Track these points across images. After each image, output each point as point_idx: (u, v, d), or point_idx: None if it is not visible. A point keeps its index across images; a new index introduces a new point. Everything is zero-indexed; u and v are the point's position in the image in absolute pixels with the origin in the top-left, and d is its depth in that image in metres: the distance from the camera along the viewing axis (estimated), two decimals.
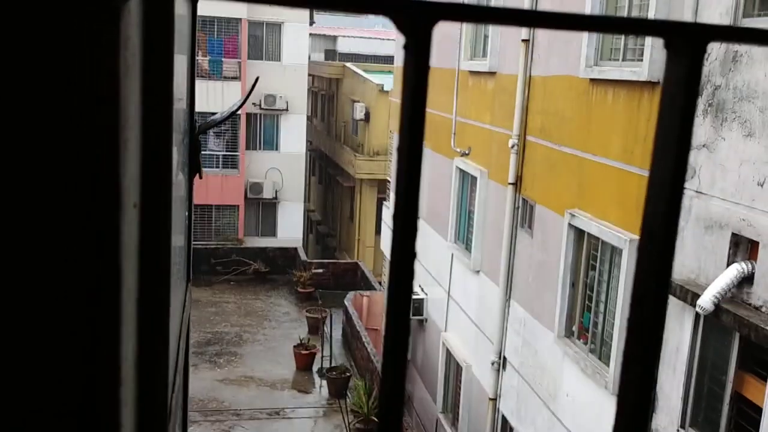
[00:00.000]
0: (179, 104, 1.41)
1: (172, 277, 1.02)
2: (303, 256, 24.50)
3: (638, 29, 0.47)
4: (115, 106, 0.55)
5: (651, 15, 7.45)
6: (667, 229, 0.45)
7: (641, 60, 7.76)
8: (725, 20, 6.47)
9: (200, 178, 1.72)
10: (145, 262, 0.78)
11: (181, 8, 1.49)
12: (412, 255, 0.42)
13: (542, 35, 10.09)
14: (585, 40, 8.74)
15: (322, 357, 17.28)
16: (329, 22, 44.01)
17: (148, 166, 0.78)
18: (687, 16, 6.89)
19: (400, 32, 0.40)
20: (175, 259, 1.16)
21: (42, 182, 0.55)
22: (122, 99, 0.57)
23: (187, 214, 1.57)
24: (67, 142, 0.55)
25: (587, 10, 8.67)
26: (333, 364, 16.94)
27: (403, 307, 0.43)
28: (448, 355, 13.42)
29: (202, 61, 24.02)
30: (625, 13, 8.24)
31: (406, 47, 0.40)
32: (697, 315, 6.56)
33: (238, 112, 24.40)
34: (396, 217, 0.41)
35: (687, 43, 0.44)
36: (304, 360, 17.34)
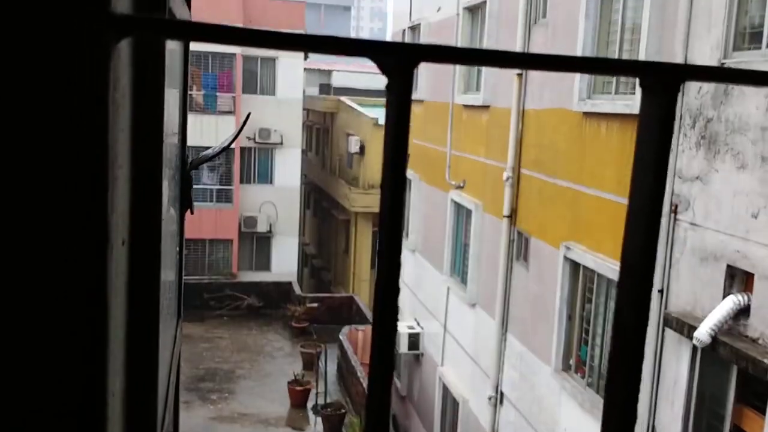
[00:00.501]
0: (171, 139, 1.40)
1: (161, 313, 1.00)
2: (297, 290, 24.38)
3: (614, 69, 0.49)
4: (103, 146, 0.55)
5: (642, 49, 7.54)
6: (645, 263, 0.46)
7: (633, 93, 7.84)
8: (716, 54, 6.55)
9: (191, 213, 1.70)
10: (134, 300, 0.77)
11: (172, 43, 1.48)
12: (396, 291, 0.43)
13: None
14: (578, 73, 8.82)
15: (317, 393, 17.08)
16: (324, 56, 44.46)
17: (138, 203, 0.78)
18: (678, 50, 6.98)
19: (382, 73, 0.41)
20: (165, 294, 1.14)
21: (27, 220, 0.54)
22: (111, 139, 0.57)
23: (178, 249, 1.56)
24: (53, 179, 0.54)
25: (579, 46, 8.78)
26: (328, 401, 16.74)
27: (389, 340, 0.44)
28: (445, 389, 13.28)
29: (197, 95, 24.17)
30: (616, 48, 8.35)
31: (388, 88, 0.41)
32: (694, 347, 6.52)
33: (232, 146, 24.49)
34: (380, 254, 0.41)
35: (661, 82, 0.45)
36: (299, 396, 17.14)
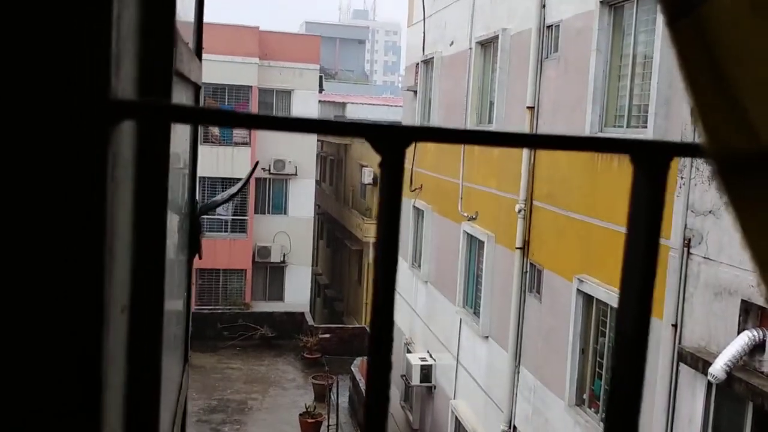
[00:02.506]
0: (179, 184, 1.41)
1: (166, 361, 1.01)
2: (310, 320, 24.30)
3: (605, 147, 0.50)
4: (101, 225, 0.55)
5: (654, 83, 7.57)
6: (639, 341, 0.46)
7: (645, 126, 7.85)
8: None
9: (200, 258, 1.73)
10: (134, 362, 0.76)
11: (181, 96, 1.49)
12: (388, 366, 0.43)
13: (547, 101, 10.25)
14: (590, 106, 8.87)
15: (329, 425, 16.95)
16: (338, 89, 44.90)
17: (140, 268, 0.77)
18: None
19: (377, 152, 0.44)
20: (170, 344, 1.15)
21: (26, 295, 0.54)
22: (109, 217, 0.56)
23: (186, 294, 1.58)
24: (48, 255, 0.54)
25: (590, 80, 8.83)
26: None
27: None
28: (457, 423, 13.14)
29: (213, 127, 24.41)
30: (627, 82, 8.38)
31: (381, 165, 0.44)
32: (709, 383, 6.43)
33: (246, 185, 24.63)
34: (371, 339, 0.42)
35: (650, 159, 0.46)
36: (310, 429, 17.01)
